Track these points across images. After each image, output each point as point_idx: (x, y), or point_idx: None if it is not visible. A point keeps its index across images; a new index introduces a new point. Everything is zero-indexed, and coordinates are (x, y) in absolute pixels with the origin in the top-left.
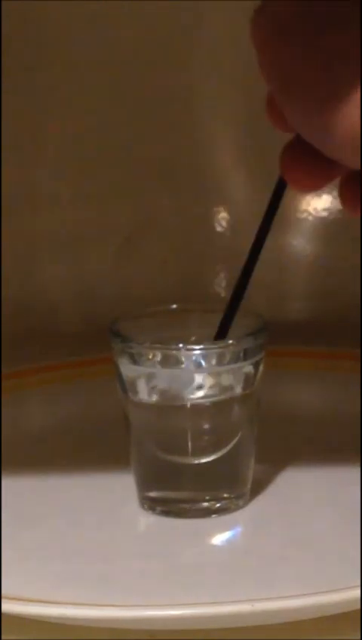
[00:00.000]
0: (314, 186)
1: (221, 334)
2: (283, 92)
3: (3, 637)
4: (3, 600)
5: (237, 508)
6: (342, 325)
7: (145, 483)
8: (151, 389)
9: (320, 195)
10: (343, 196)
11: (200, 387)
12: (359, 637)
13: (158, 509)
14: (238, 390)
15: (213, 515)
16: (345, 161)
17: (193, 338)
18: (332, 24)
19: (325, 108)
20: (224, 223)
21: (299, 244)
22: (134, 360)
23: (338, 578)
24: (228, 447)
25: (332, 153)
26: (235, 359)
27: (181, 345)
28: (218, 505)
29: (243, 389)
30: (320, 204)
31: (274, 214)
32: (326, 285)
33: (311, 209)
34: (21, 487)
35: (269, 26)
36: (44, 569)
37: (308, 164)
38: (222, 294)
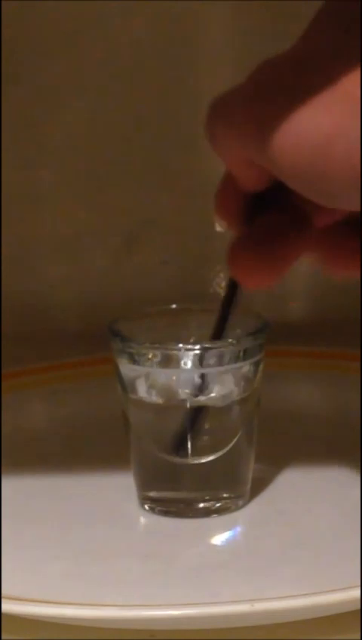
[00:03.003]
0: (267, 281)
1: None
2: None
3: (3, 637)
4: (3, 600)
5: (237, 508)
6: (342, 325)
7: (145, 483)
8: (151, 389)
9: None
10: (325, 254)
11: (199, 387)
12: (359, 637)
13: (158, 509)
14: (238, 390)
15: (213, 515)
16: (347, 203)
17: (193, 338)
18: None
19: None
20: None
21: None
22: (134, 360)
23: (338, 578)
24: (228, 447)
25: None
26: (235, 359)
27: (181, 345)
28: (218, 505)
29: (243, 388)
30: None
31: (228, 317)
32: (326, 285)
33: None
34: (21, 487)
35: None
36: (44, 569)
37: (258, 258)
38: (222, 294)
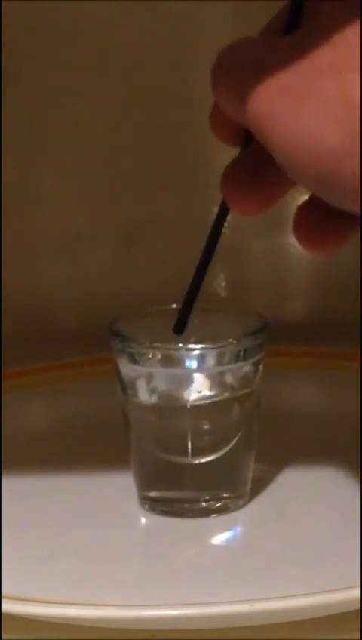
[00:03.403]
0: (256, 209)
1: (179, 328)
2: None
3: (3, 637)
4: (3, 600)
5: (237, 508)
6: (342, 325)
7: (145, 483)
8: (151, 389)
9: None
10: (297, 227)
11: (199, 387)
12: (359, 637)
13: (158, 509)
14: (238, 390)
15: (213, 515)
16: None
17: (193, 338)
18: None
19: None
20: (224, 223)
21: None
22: (134, 360)
23: (338, 578)
24: (228, 447)
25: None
26: (235, 359)
27: (181, 345)
28: (218, 505)
29: (243, 388)
30: None
31: (218, 239)
32: (326, 285)
33: None
34: (21, 487)
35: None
36: (44, 569)
37: (249, 185)
38: (222, 294)
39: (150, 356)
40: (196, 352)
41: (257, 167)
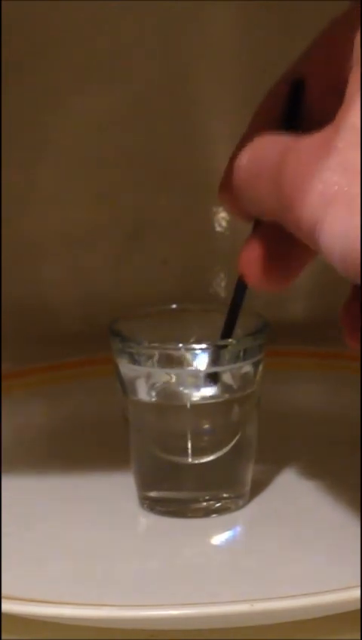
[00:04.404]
0: (277, 287)
1: (226, 334)
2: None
3: (3, 637)
4: (3, 600)
5: (237, 508)
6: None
7: (145, 483)
8: (151, 389)
9: None
10: (345, 323)
11: (199, 387)
12: (359, 637)
13: (158, 509)
14: (238, 390)
15: (213, 515)
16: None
17: (193, 338)
18: None
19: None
20: (224, 223)
21: None
22: (134, 360)
23: (338, 578)
24: (228, 447)
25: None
26: (235, 359)
27: (181, 345)
28: (218, 505)
29: (243, 389)
30: None
31: (238, 311)
32: (327, 285)
33: None
34: (21, 487)
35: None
36: (44, 569)
37: (270, 265)
38: (222, 294)
39: (150, 356)
40: (196, 352)
41: (275, 244)
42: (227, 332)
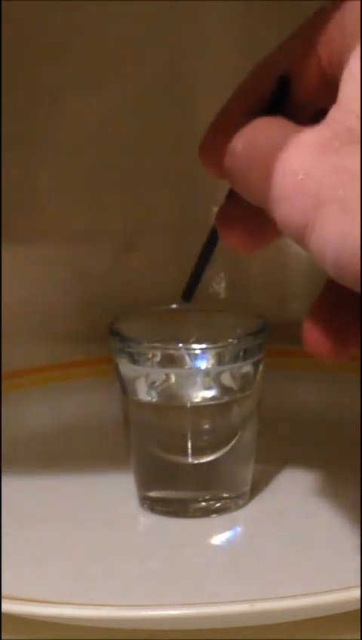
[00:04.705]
0: (249, 250)
1: (189, 290)
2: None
3: (3, 637)
4: (3, 600)
5: (237, 508)
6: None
7: (145, 483)
8: (151, 389)
9: None
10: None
11: (199, 387)
12: (359, 637)
13: (158, 508)
14: (238, 390)
15: (213, 515)
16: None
17: (193, 338)
18: None
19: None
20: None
21: None
22: (134, 360)
23: (338, 578)
24: (228, 447)
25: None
26: (235, 359)
27: (181, 345)
28: (218, 505)
29: (243, 389)
30: None
31: (206, 263)
32: None
33: None
34: (21, 487)
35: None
36: (44, 569)
37: (244, 228)
38: (222, 294)
39: (150, 356)
40: (196, 352)
41: (250, 215)
42: (190, 288)
